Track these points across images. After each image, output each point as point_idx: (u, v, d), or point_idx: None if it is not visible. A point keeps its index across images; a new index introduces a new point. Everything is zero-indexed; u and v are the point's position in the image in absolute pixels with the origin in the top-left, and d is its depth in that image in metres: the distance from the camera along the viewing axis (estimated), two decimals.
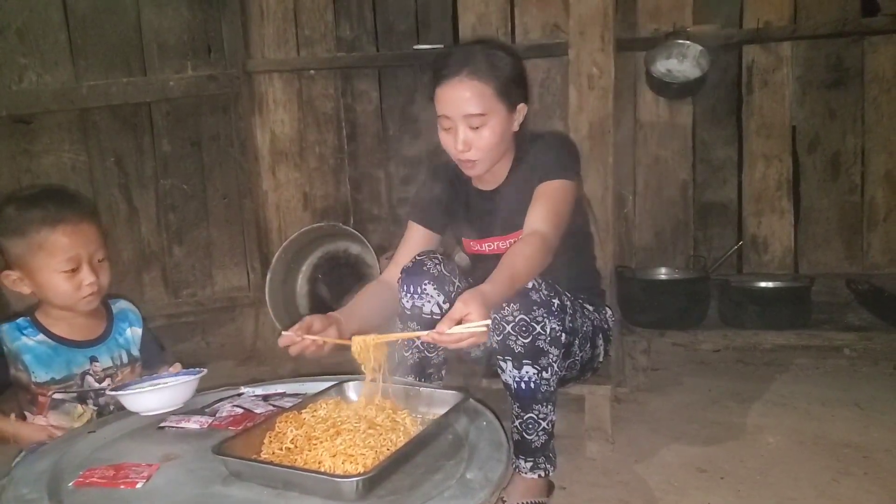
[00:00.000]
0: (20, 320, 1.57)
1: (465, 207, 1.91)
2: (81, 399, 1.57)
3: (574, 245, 1.89)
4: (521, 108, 1.75)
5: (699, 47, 2.94)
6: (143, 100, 3.05)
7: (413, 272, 1.72)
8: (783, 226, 3.15)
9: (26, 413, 1.55)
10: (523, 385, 1.63)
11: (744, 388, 2.54)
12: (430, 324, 1.72)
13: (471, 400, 1.38)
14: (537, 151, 1.78)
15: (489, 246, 1.90)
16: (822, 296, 2.97)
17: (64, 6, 2.92)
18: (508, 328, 1.59)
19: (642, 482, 1.90)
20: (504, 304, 1.57)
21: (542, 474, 1.71)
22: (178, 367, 1.60)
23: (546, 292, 1.61)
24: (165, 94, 3.07)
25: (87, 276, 1.53)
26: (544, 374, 1.63)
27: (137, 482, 1.13)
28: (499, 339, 1.62)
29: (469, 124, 1.66)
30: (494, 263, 1.77)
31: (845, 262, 3.11)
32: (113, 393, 1.46)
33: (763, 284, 2.98)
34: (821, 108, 3.06)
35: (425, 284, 1.70)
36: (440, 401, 1.36)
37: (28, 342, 1.54)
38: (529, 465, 1.70)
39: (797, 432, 2.15)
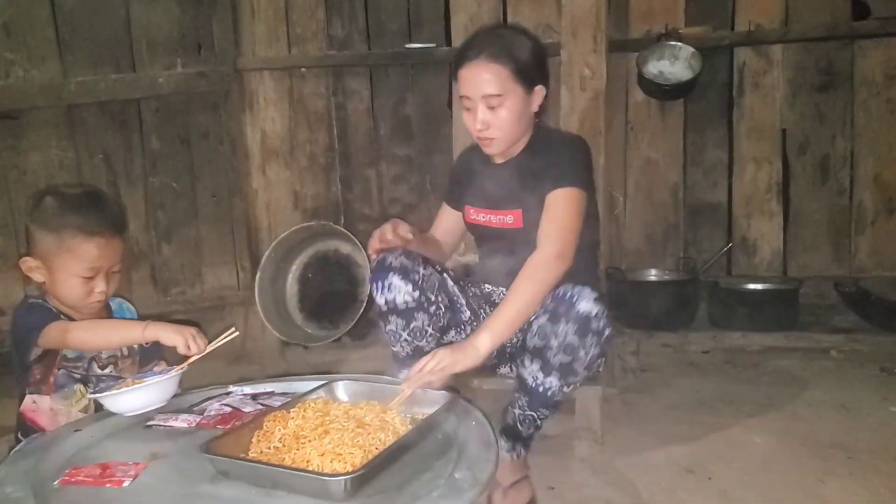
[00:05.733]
0: (39, 302, 1.61)
1: (476, 177, 1.97)
2: (85, 382, 1.60)
3: (581, 257, 1.88)
4: (539, 91, 1.80)
5: (691, 49, 2.95)
6: (132, 96, 3.03)
7: (377, 270, 1.76)
8: (772, 228, 3.17)
9: (34, 397, 1.56)
10: (541, 389, 1.66)
11: (732, 389, 2.55)
12: (407, 314, 1.76)
13: (460, 399, 1.38)
14: (553, 149, 1.83)
15: (483, 217, 1.94)
16: (809, 298, 2.99)
17: (52, 1, 2.89)
18: (554, 343, 1.59)
19: (630, 483, 1.90)
20: (563, 321, 1.58)
21: (516, 456, 1.79)
22: (162, 365, 1.61)
23: (604, 322, 1.60)
24: (155, 91, 3.05)
25: (100, 284, 1.59)
26: (565, 389, 1.67)
27: (124, 481, 1.12)
28: (540, 344, 1.62)
29: (487, 104, 1.73)
30: (487, 234, 1.93)
31: (833, 265, 3.13)
32: (93, 396, 1.49)
33: (752, 286, 2.99)
34: (811, 111, 3.08)
35: (391, 277, 1.74)
36: (429, 400, 1.36)
37: None
38: (508, 445, 1.77)
39: (784, 433, 2.16)
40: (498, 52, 1.72)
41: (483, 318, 1.93)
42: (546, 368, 1.63)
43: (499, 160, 1.91)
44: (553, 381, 1.64)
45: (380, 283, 1.74)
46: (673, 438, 2.16)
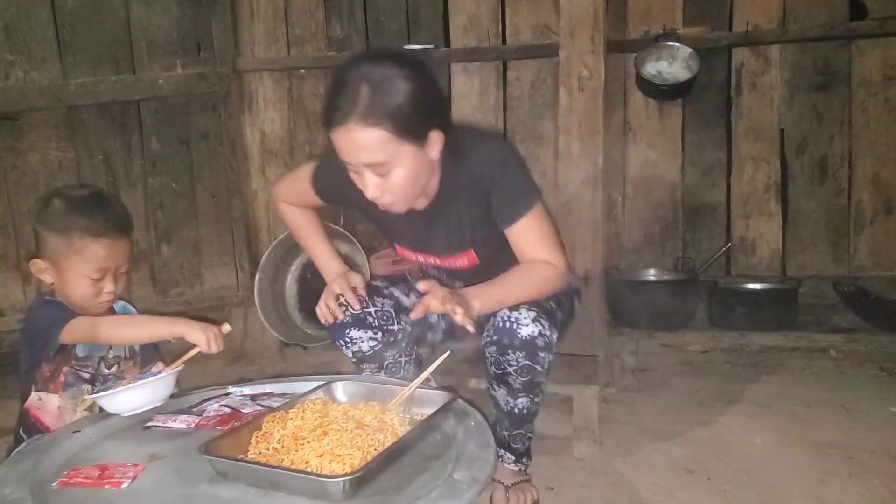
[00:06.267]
0: (56, 299, 1.63)
1: (396, 222, 1.72)
2: (92, 381, 1.61)
3: None
4: (436, 136, 1.49)
5: (689, 49, 2.95)
6: (132, 97, 3.04)
7: (333, 330, 1.76)
8: (771, 228, 3.17)
9: (41, 395, 1.57)
10: (516, 410, 1.70)
11: (731, 389, 2.55)
12: (376, 357, 1.79)
13: (459, 400, 1.38)
14: (483, 176, 1.60)
15: (424, 259, 1.82)
16: (808, 298, 2.99)
17: (52, 3, 2.89)
18: (511, 369, 1.62)
19: (630, 483, 1.91)
20: (510, 351, 1.58)
21: (523, 468, 1.81)
22: (160, 366, 1.62)
23: (549, 334, 1.59)
24: (154, 92, 3.05)
25: (108, 284, 1.61)
26: (535, 399, 1.70)
27: (123, 482, 1.12)
28: (499, 372, 1.64)
29: (374, 171, 1.45)
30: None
31: (832, 265, 3.13)
32: (90, 396, 1.51)
33: (751, 286, 2.99)
34: (808, 111, 3.08)
35: (349, 332, 1.75)
36: (428, 401, 1.36)
37: None
38: (513, 458, 1.79)
39: (783, 433, 2.16)
40: (369, 113, 1.38)
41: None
42: (512, 392, 1.66)
43: (416, 205, 1.65)
44: (523, 400, 1.67)
45: (341, 340, 1.76)
46: (672, 438, 2.17)
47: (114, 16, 2.99)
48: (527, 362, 1.59)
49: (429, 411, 1.31)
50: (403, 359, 1.84)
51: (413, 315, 1.50)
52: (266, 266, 3.15)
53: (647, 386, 2.62)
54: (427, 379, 1.43)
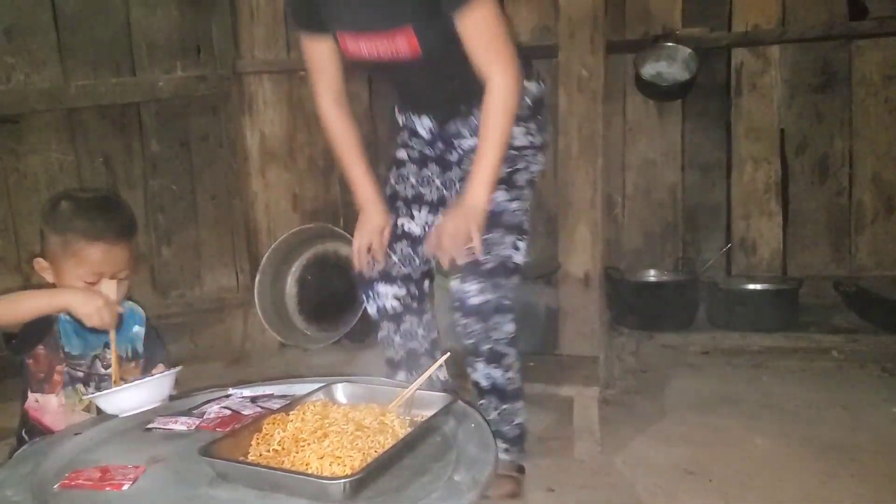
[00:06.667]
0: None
1: (333, 3, 1.65)
2: (86, 381, 1.60)
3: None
4: None
5: (688, 50, 2.95)
6: (132, 100, 3.04)
7: (361, 284, 1.84)
8: (771, 228, 3.17)
9: (37, 396, 1.56)
10: (497, 384, 1.77)
11: (732, 389, 2.55)
12: (396, 318, 1.84)
13: (459, 402, 1.38)
14: None
15: (367, 48, 1.65)
16: (809, 298, 2.99)
17: (52, 6, 2.90)
18: (473, 339, 1.72)
19: (630, 484, 1.90)
20: (463, 318, 1.70)
21: (518, 459, 1.84)
22: (160, 367, 1.62)
23: (496, 298, 1.68)
24: (154, 95, 3.06)
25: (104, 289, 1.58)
26: (507, 374, 1.76)
27: (123, 484, 1.12)
28: (469, 343, 1.72)
29: None
30: (380, 67, 1.73)
31: (833, 265, 3.13)
32: (87, 397, 1.50)
33: (751, 286, 3.00)
34: (809, 111, 3.08)
35: (376, 286, 1.81)
36: (428, 402, 1.36)
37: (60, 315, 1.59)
38: (514, 452, 1.83)
39: (784, 434, 2.16)
40: None
41: (430, 164, 1.96)
42: (485, 363, 1.74)
43: None
44: (496, 372, 1.75)
45: (368, 293, 1.82)
46: (673, 439, 2.16)
47: (114, 18, 2.99)
48: (479, 325, 1.69)
49: (429, 413, 1.31)
50: (421, 331, 1.87)
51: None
52: (266, 267, 3.16)
53: (647, 387, 2.61)
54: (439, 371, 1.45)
